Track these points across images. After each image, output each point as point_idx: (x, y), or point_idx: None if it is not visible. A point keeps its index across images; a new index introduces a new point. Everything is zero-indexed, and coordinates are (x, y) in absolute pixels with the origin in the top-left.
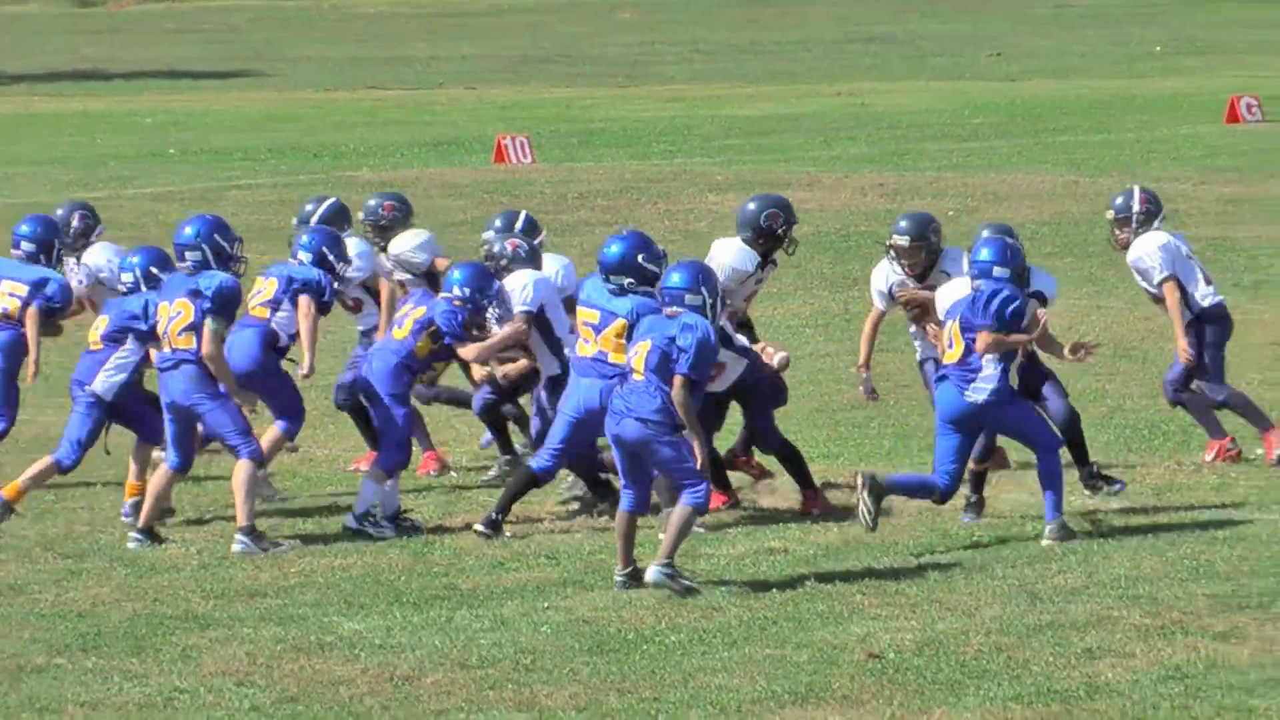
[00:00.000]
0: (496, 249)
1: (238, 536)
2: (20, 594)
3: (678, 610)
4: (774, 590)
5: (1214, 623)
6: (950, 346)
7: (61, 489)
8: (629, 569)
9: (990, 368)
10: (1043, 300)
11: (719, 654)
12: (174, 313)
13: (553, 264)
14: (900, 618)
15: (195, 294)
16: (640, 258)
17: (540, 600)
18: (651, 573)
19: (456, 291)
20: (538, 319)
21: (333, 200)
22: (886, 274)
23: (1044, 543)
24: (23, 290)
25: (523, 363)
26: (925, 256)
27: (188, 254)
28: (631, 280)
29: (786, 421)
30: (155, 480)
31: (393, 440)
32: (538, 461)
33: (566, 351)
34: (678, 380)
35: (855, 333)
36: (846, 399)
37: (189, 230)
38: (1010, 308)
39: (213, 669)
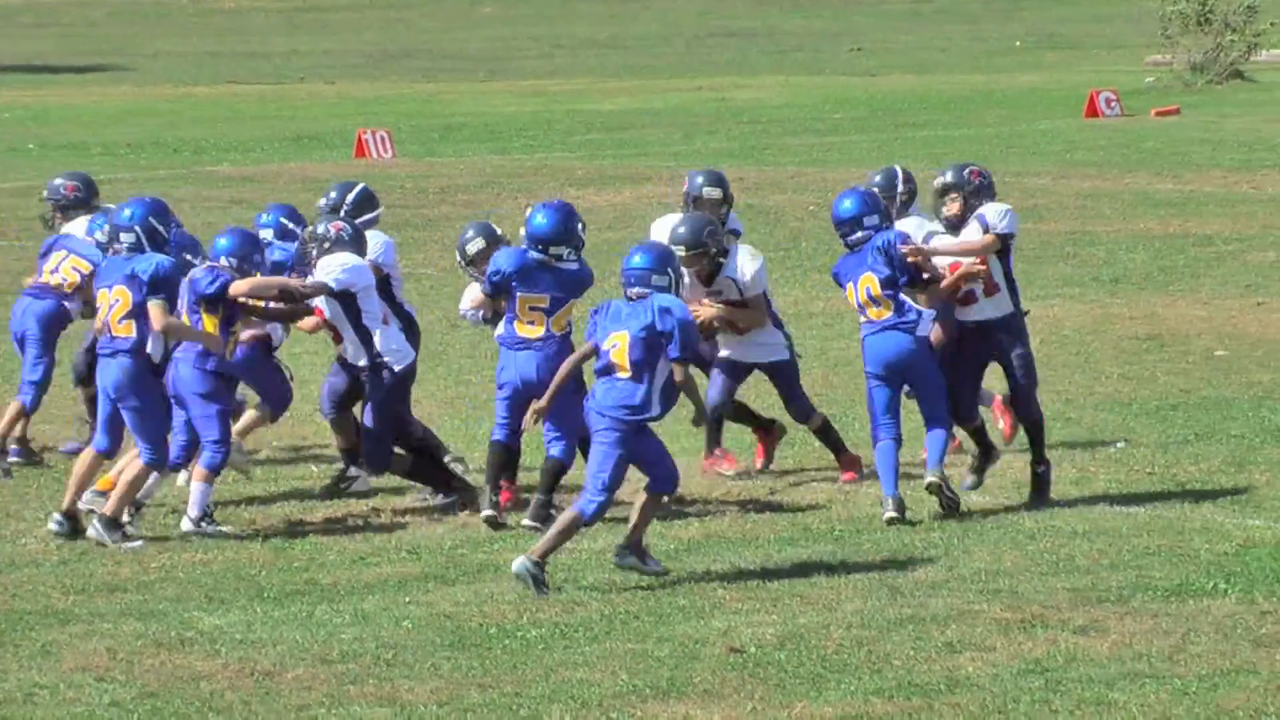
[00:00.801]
0: (320, 229)
1: (94, 522)
2: None
3: (539, 605)
4: (635, 585)
5: (1074, 616)
6: (876, 305)
7: None
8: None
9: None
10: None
11: (581, 649)
12: (113, 300)
13: (375, 240)
14: (761, 612)
15: (132, 279)
16: (577, 225)
17: (401, 595)
18: (618, 556)
19: (223, 262)
20: (341, 300)
21: (361, 186)
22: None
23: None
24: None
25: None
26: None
27: (123, 236)
28: (571, 250)
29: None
30: (128, 471)
31: (211, 439)
32: (500, 434)
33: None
34: (675, 367)
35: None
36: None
37: (126, 212)
38: (898, 250)
39: (73, 664)
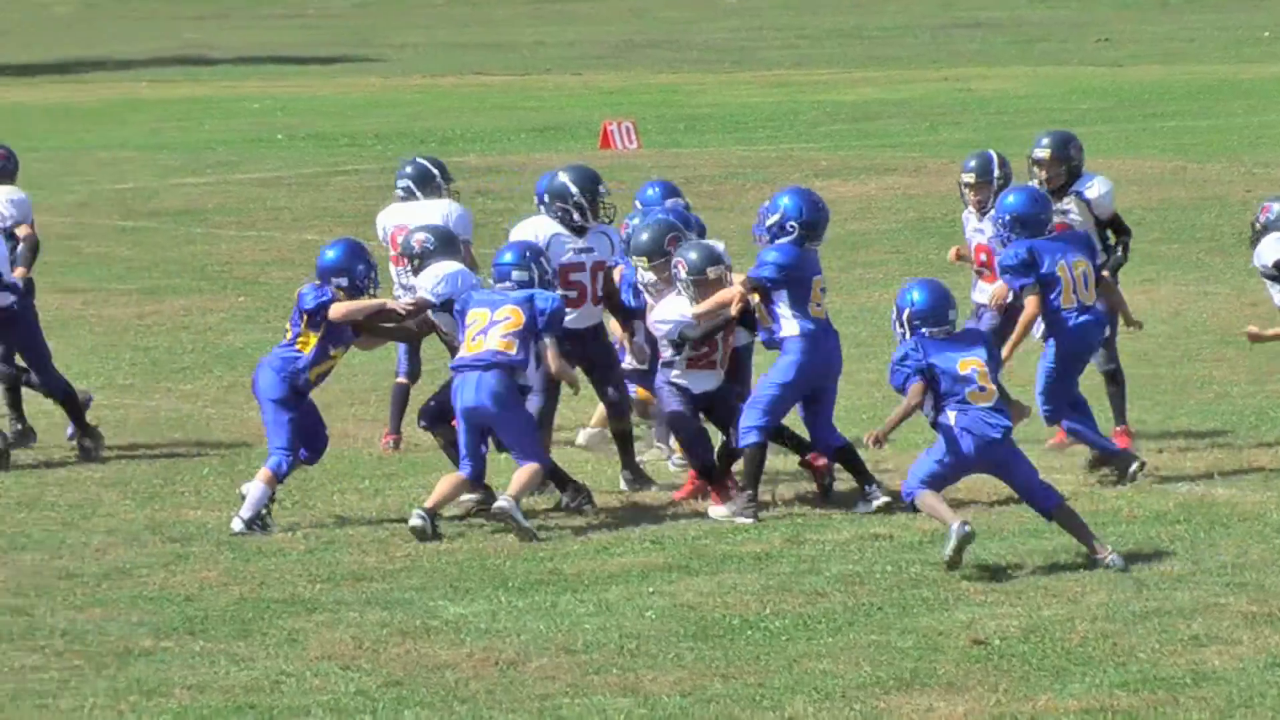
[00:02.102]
0: (408, 244)
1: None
2: (127, 577)
3: (782, 596)
4: (878, 576)
5: None
6: (1085, 289)
7: (172, 473)
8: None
9: None
10: None
11: (823, 640)
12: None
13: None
14: (1005, 604)
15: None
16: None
17: (645, 585)
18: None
19: (333, 280)
20: (448, 310)
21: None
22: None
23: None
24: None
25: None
26: (1065, 172)
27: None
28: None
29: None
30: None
31: (278, 445)
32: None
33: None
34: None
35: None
36: None
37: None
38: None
39: (318, 653)
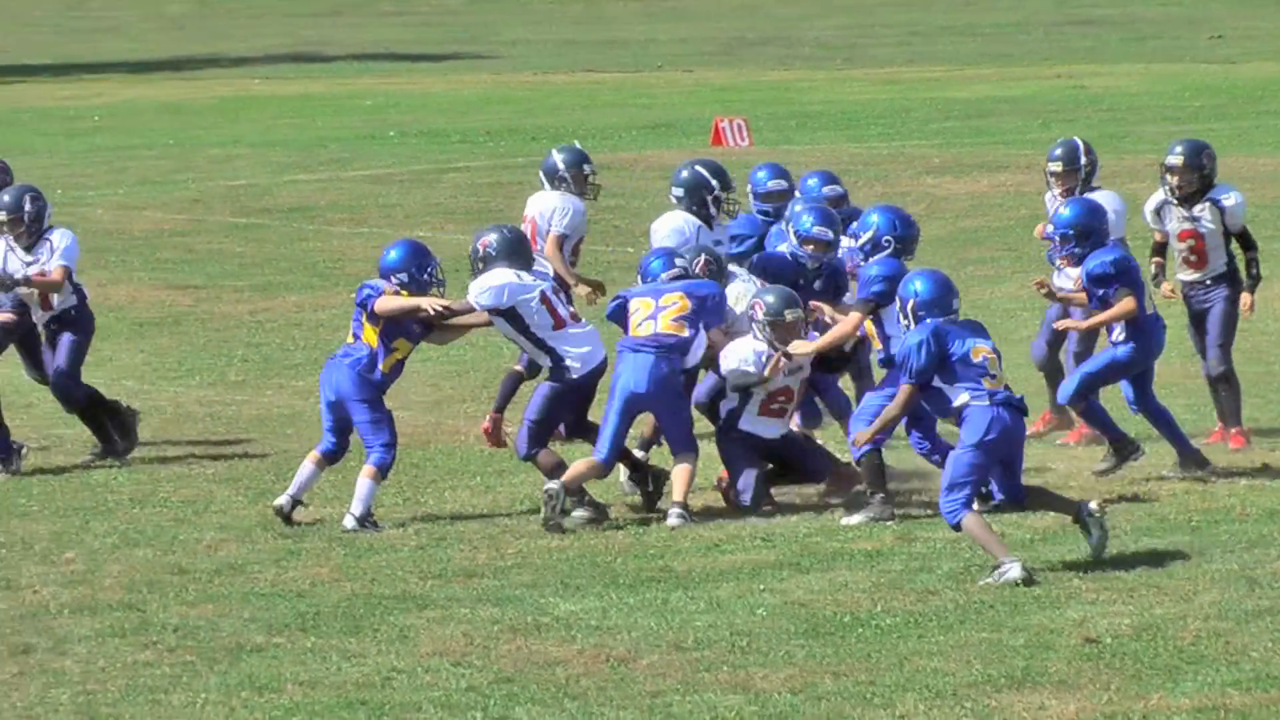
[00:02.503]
0: (472, 249)
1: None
2: (240, 573)
3: (893, 593)
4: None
5: None
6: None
7: (283, 469)
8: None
9: None
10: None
11: (934, 638)
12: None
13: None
14: (1117, 602)
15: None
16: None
17: (755, 582)
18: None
19: (392, 279)
20: (500, 314)
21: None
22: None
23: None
24: None
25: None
26: (1198, 179)
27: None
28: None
29: None
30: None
31: (381, 442)
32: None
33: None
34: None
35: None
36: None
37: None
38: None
39: (429, 649)
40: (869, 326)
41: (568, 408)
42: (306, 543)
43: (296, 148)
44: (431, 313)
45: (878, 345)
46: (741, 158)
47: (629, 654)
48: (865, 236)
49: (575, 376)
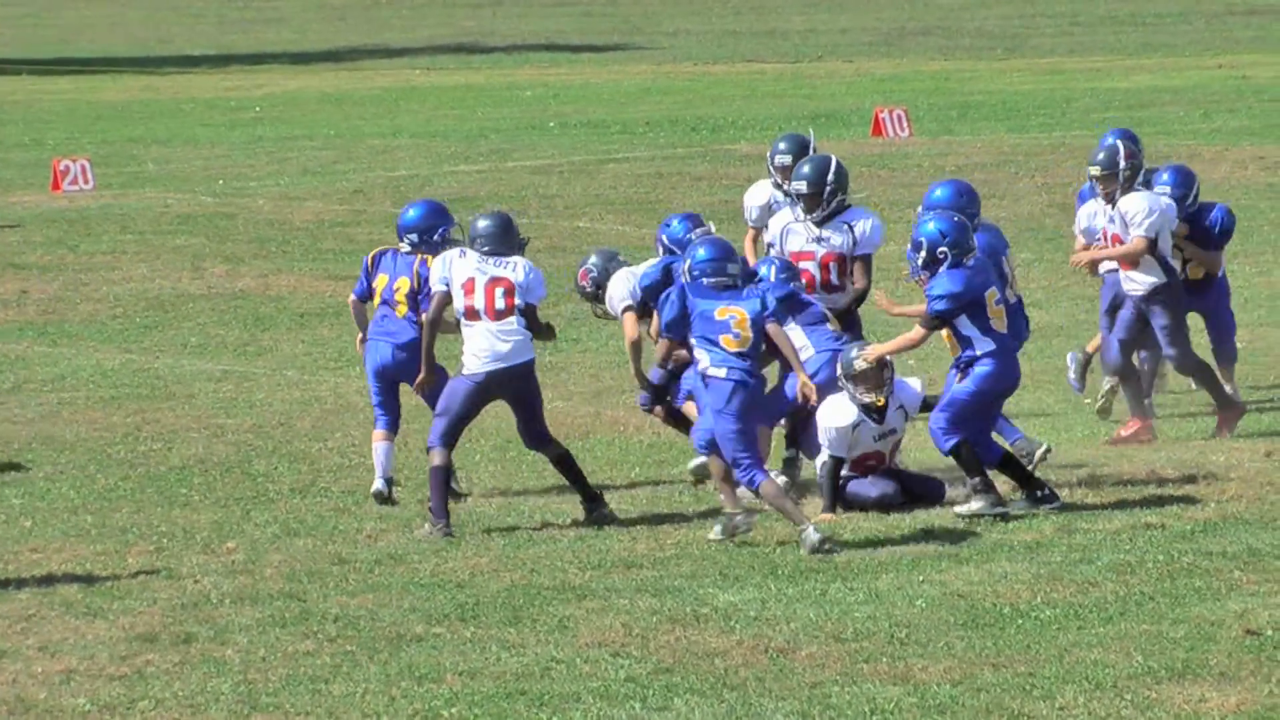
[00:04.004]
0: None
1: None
2: (400, 564)
3: (1053, 585)
4: (1150, 565)
5: None
6: None
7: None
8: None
9: None
10: None
11: (1094, 629)
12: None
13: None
14: (1278, 594)
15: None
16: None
17: (915, 574)
18: None
19: (405, 239)
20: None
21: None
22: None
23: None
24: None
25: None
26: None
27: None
28: None
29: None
30: None
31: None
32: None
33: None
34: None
35: (1237, 307)
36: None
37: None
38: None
39: (589, 639)
40: (951, 339)
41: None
42: (466, 533)
43: (457, 138)
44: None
45: (955, 352)
46: (902, 148)
47: (788, 645)
48: (922, 255)
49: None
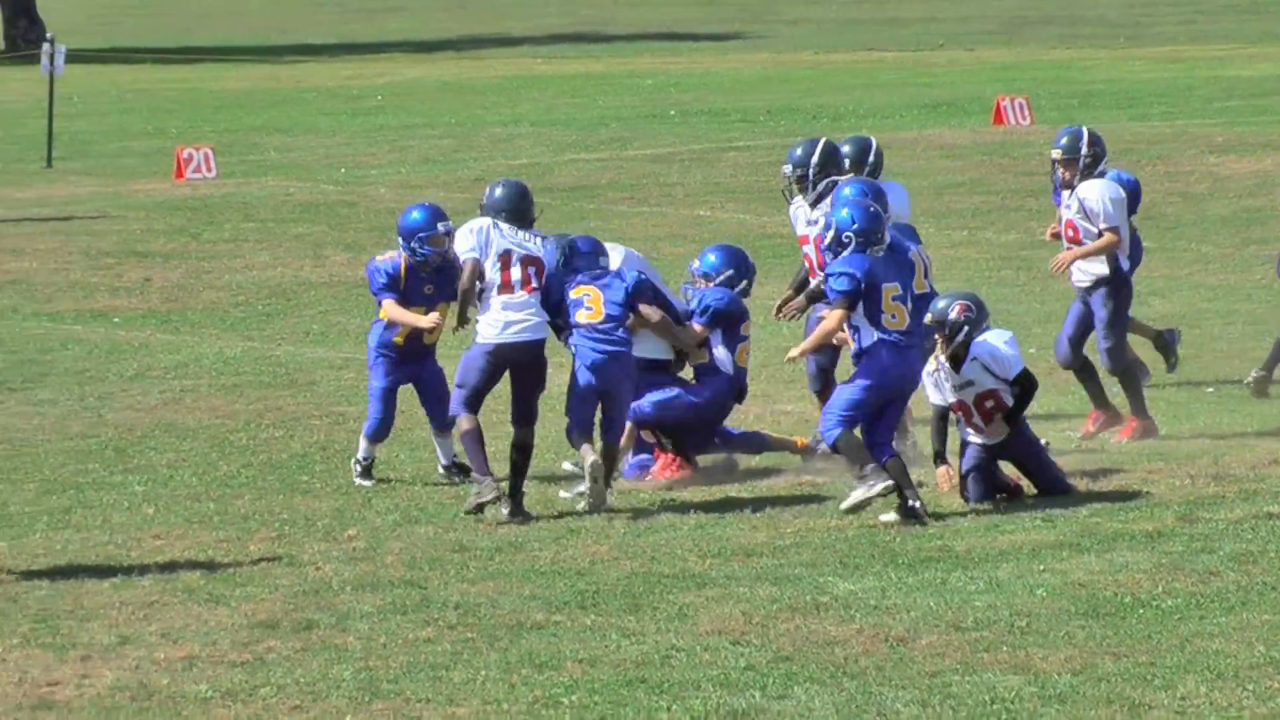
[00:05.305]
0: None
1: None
2: (520, 551)
3: (1174, 575)
4: (1273, 555)
5: None
6: None
7: (564, 448)
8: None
9: None
10: None
11: (1216, 619)
12: None
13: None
14: None
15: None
16: None
17: (1035, 563)
18: None
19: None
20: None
21: (824, 142)
22: None
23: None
24: None
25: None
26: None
27: None
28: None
29: None
30: None
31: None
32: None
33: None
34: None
35: None
36: None
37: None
38: None
39: (708, 627)
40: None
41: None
42: (586, 521)
43: (577, 127)
44: (429, 329)
45: (850, 344)
46: (1023, 136)
47: (908, 634)
48: (829, 235)
49: None
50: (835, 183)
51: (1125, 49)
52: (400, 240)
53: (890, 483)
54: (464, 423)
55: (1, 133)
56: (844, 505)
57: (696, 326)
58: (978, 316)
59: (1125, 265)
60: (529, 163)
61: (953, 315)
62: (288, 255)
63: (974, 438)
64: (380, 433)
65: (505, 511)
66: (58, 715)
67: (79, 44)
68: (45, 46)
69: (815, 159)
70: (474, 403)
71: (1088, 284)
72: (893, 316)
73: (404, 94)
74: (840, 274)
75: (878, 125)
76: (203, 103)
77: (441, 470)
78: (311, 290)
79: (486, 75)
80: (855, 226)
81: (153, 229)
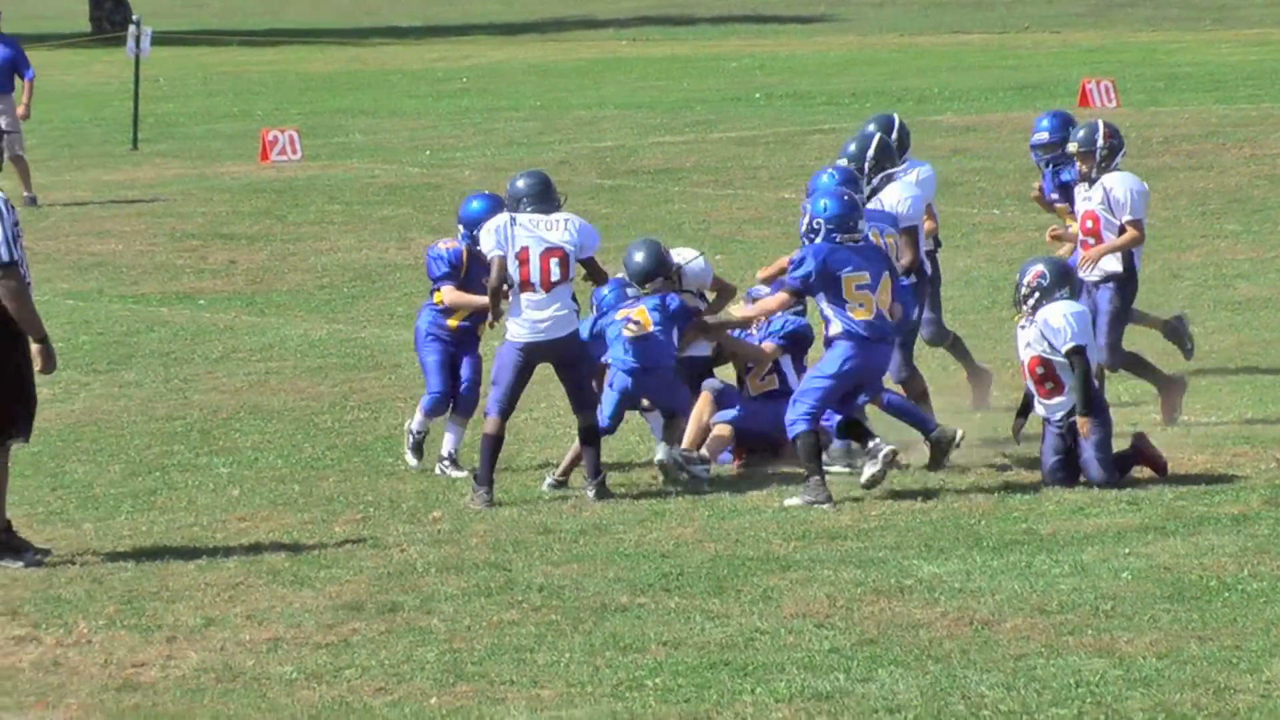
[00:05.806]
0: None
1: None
2: (604, 534)
3: (1261, 558)
4: None
5: None
6: None
7: (645, 432)
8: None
9: None
10: None
11: None
12: None
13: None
14: None
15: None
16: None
17: (1120, 546)
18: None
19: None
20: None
21: (879, 138)
22: None
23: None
24: None
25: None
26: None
27: None
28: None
29: None
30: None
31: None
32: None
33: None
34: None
35: None
36: None
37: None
38: None
39: (792, 610)
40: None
41: None
42: (670, 504)
43: (662, 109)
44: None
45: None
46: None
47: (992, 617)
48: (804, 222)
49: None
50: (890, 176)
51: (1211, 31)
52: (461, 228)
53: (894, 448)
54: (489, 426)
55: (88, 115)
56: (861, 480)
57: (768, 346)
58: (1050, 285)
59: (1139, 263)
60: (613, 145)
61: (1027, 278)
62: (372, 238)
63: (1038, 407)
64: (439, 407)
65: (590, 494)
66: (143, 696)
67: (165, 26)
68: (131, 29)
69: (871, 152)
70: (507, 406)
71: (1097, 278)
72: (859, 305)
73: (489, 77)
74: (796, 266)
75: (963, 108)
76: (288, 85)
77: (443, 456)
78: (396, 273)
79: (571, 58)
80: (827, 214)
81: (238, 211)
